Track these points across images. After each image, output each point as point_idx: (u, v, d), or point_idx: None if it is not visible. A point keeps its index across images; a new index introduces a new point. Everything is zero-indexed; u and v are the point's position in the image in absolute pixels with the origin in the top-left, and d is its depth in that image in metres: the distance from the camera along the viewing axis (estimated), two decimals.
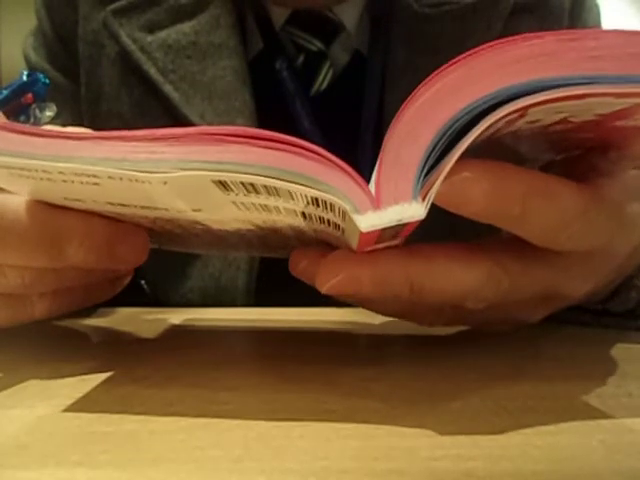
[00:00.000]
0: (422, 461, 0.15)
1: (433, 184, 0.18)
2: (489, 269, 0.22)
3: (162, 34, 0.47)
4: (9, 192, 0.24)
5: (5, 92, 0.31)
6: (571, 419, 0.18)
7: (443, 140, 0.17)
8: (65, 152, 0.19)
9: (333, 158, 0.17)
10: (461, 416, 0.19)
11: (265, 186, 0.18)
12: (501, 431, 0.17)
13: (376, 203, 0.18)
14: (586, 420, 0.18)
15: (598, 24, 0.55)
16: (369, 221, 0.18)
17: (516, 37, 0.17)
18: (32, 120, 0.31)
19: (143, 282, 0.48)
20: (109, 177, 0.19)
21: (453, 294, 0.22)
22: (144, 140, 0.18)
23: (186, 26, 0.47)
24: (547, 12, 0.50)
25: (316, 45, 0.49)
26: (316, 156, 0.17)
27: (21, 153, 0.19)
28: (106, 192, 0.20)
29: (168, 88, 0.46)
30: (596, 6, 0.55)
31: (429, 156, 0.17)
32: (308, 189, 0.17)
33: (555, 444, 0.16)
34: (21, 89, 0.31)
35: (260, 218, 0.21)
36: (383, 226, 0.18)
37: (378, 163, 0.18)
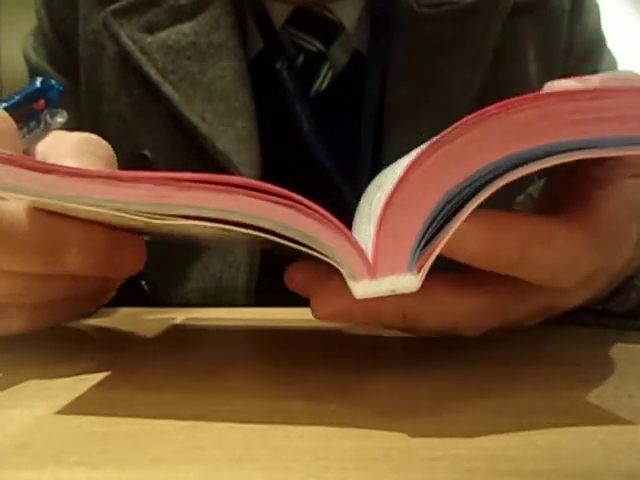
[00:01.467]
0: (422, 461, 0.15)
1: (429, 257, 0.18)
2: (483, 300, 0.22)
3: (162, 35, 0.47)
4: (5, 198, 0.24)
5: (17, 97, 0.31)
6: (571, 419, 0.18)
7: (447, 208, 0.17)
8: (73, 192, 0.19)
9: (336, 222, 0.18)
10: (461, 416, 0.19)
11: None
12: (501, 431, 0.17)
13: (372, 272, 0.18)
14: (586, 420, 0.18)
15: (598, 24, 0.55)
16: (364, 289, 0.18)
17: (520, 99, 0.17)
18: (42, 126, 0.31)
19: (143, 283, 0.48)
20: (114, 215, 0.19)
21: (447, 325, 0.22)
22: (152, 183, 0.18)
23: (186, 27, 0.47)
24: (547, 12, 0.50)
25: (316, 45, 0.49)
26: (320, 217, 0.18)
27: (28, 190, 0.19)
28: (108, 215, 0.21)
29: (168, 89, 0.46)
30: (596, 6, 0.55)
31: (430, 225, 0.17)
32: (308, 250, 0.18)
33: (555, 444, 0.16)
34: (34, 95, 0.31)
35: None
36: (377, 295, 0.18)
37: (376, 230, 0.18)
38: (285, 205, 0.17)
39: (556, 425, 0.18)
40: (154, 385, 0.22)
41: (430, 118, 0.46)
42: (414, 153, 0.18)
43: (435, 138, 0.17)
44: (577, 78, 0.21)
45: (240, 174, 0.44)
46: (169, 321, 0.36)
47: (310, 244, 0.18)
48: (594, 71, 0.51)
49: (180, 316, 0.37)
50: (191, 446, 0.17)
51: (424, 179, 0.17)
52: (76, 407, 0.20)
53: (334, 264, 0.18)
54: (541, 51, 0.50)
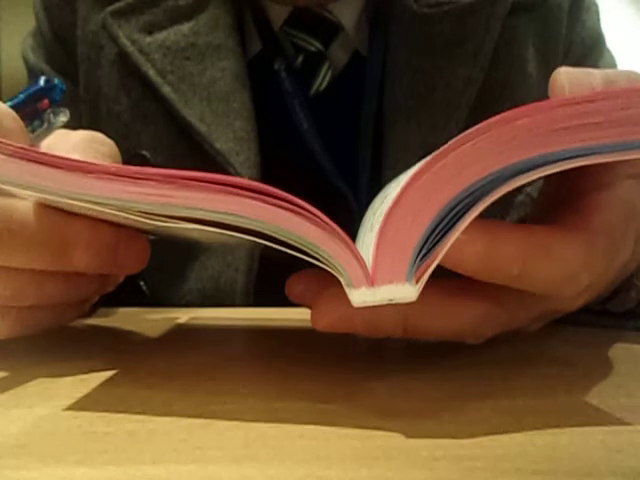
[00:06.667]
0: (422, 461, 0.15)
1: (428, 267, 0.18)
2: (485, 308, 0.22)
3: (161, 35, 0.47)
4: (15, 196, 0.24)
5: (22, 96, 0.31)
6: (571, 419, 0.18)
7: (447, 220, 0.17)
8: (76, 188, 0.19)
9: (337, 228, 0.18)
10: (461, 416, 0.19)
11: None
12: (501, 431, 0.17)
13: (371, 280, 0.18)
14: (586, 420, 0.18)
15: (597, 24, 0.55)
16: (361, 297, 0.18)
17: (515, 110, 0.17)
18: (46, 125, 0.31)
19: (142, 284, 0.48)
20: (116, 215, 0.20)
21: (449, 334, 0.22)
22: (154, 180, 0.18)
23: (185, 27, 0.47)
24: (546, 11, 0.50)
25: (315, 46, 0.49)
26: (321, 223, 0.18)
27: (32, 184, 0.19)
28: (111, 214, 0.21)
29: (167, 89, 0.46)
30: (595, 5, 0.55)
31: (430, 236, 0.17)
32: (306, 257, 0.18)
33: (555, 444, 0.16)
34: (38, 94, 0.32)
35: None
36: (374, 304, 0.18)
37: (377, 239, 0.18)
38: (286, 209, 0.17)
39: (556, 425, 0.18)
40: (154, 385, 0.22)
41: (430, 118, 0.46)
42: (417, 166, 0.18)
43: (433, 154, 0.17)
44: (582, 69, 0.21)
45: (239, 175, 0.44)
46: (169, 321, 0.36)
47: (310, 250, 0.18)
48: None
49: (180, 316, 0.37)
50: (191, 446, 0.17)
51: (423, 192, 0.17)
52: (76, 407, 0.20)
53: (332, 271, 0.18)
54: (540, 50, 0.50)
